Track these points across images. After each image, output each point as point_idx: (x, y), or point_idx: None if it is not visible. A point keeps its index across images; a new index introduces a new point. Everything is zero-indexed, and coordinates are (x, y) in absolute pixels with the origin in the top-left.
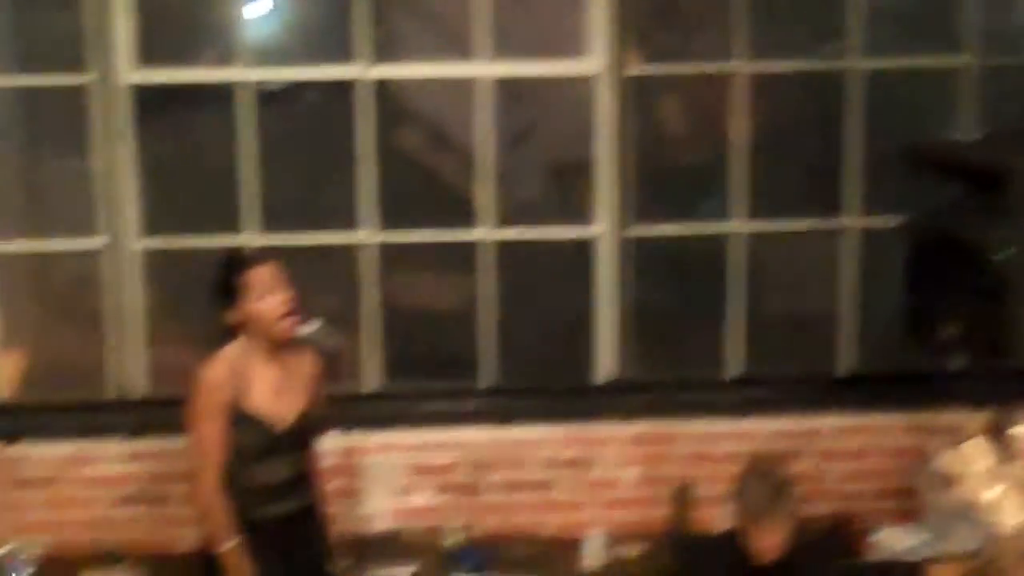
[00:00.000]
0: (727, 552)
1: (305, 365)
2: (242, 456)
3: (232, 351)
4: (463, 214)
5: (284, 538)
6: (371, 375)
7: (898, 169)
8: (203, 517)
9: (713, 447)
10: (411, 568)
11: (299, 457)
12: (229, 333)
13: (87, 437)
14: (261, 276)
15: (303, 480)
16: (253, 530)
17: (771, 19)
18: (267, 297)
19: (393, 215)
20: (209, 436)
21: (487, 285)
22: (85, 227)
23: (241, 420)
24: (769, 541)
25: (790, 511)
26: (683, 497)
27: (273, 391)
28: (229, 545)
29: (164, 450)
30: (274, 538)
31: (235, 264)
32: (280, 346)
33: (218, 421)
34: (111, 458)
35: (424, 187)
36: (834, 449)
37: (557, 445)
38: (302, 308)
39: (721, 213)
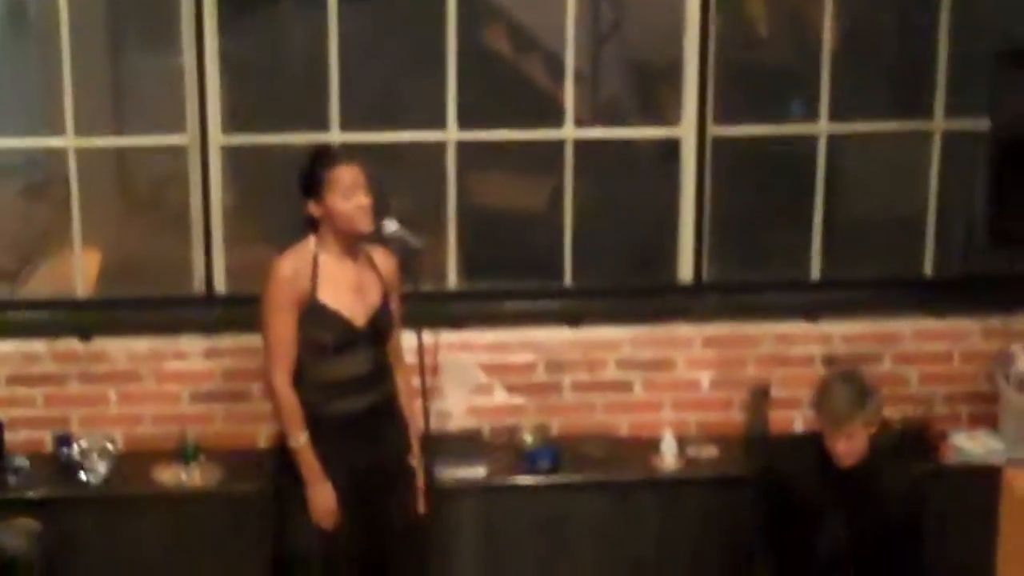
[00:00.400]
0: (808, 454)
1: (381, 264)
2: (320, 350)
3: (307, 246)
4: (547, 113)
5: (361, 432)
6: (451, 275)
7: (985, 71)
8: (275, 411)
9: (791, 350)
10: (486, 466)
11: (376, 353)
12: (310, 225)
13: (166, 333)
14: (345, 175)
15: (380, 375)
16: (330, 424)
17: None
18: (348, 196)
19: (476, 114)
20: (281, 330)
21: (569, 185)
22: (169, 124)
23: (317, 314)
24: (850, 446)
25: (872, 417)
26: (760, 399)
27: (348, 287)
28: (300, 439)
29: (243, 347)
30: (351, 432)
31: (323, 158)
32: (356, 245)
33: (290, 315)
34: (190, 354)
35: (508, 86)
36: (913, 352)
37: (635, 346)
38: (383, 206)
39: (805, 115)
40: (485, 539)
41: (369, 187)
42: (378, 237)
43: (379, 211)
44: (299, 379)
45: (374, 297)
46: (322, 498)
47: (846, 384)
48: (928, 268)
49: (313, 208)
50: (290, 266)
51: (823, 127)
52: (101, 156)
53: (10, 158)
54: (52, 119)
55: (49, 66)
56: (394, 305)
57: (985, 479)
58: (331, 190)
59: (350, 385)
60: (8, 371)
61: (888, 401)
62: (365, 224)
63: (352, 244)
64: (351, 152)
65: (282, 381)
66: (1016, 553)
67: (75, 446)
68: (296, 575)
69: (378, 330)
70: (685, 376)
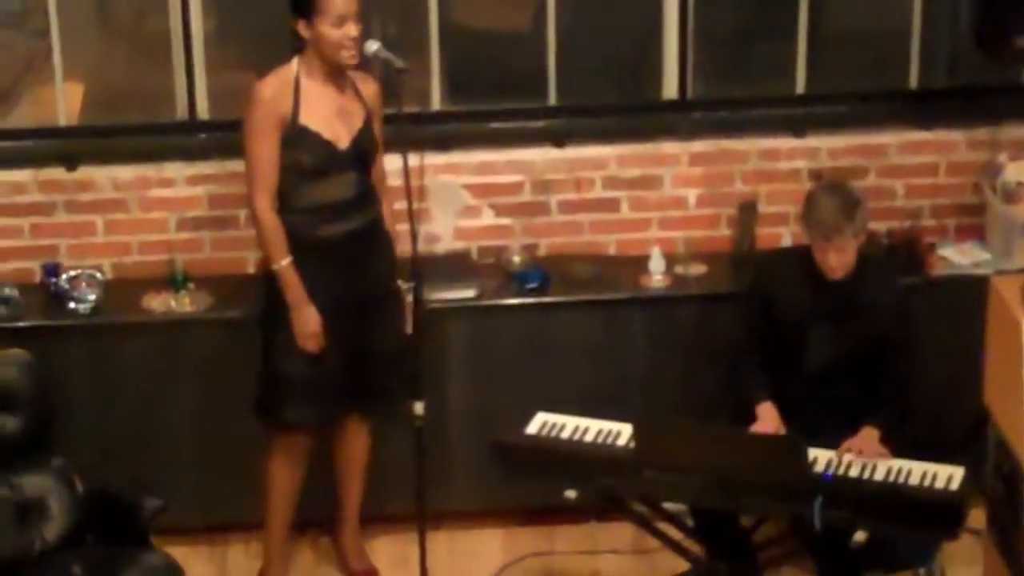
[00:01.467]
0: (795, 268)
1: (364, 89)
2: (304, 173)
3: (290, 68)
4: None
5: (346, 256)
6: (435, 96)
7: None
8: (257, 235)
9: (777, 164)
10: (475, 288)
11: (360, 176)
12: (296, 43)
13: (151, 160)
14: (338, 3)
15: (366, 198)
16: (315, 248)
17: None
18: (338, 25)
19: None
20: (263, 153)
21: (552, 2)
22: None
23: (301, 136)
24: (840, 258)
25: (860, 227)
26: (747, 215)
27: (331, 110)
28: (283, 262)
29: (228, 172)
30: (336, 256)
31: None
32: (340, 71)
33: (272, 137)
34: (175, 181)
35: None
36: (900, 165)
37: (621, 164)
38: (366, 27)
39: None
40: (474, 360)
41: (360, 16)
42: (361, 61)
43: (362, 32)
44: (284, 204)
45: (357, 121)
46: (305, 321)
47: (833, 196)
48: (913, 79)
49: (302, 28)
50: (271, 89)
51: None
52: None
53: None
54: None
55: None
56: (377, 130)
57: (972, 290)
58: (322, 15)
59: (334, 209)
60: None
61: (875, 214)
62: (350, 56)
63: (336, 69)
64: None
65: (263, 205)
66: (1002, 362)
67: (64, 275)
68: (281, 397)
69: (361, 153)
70: (672, 193)
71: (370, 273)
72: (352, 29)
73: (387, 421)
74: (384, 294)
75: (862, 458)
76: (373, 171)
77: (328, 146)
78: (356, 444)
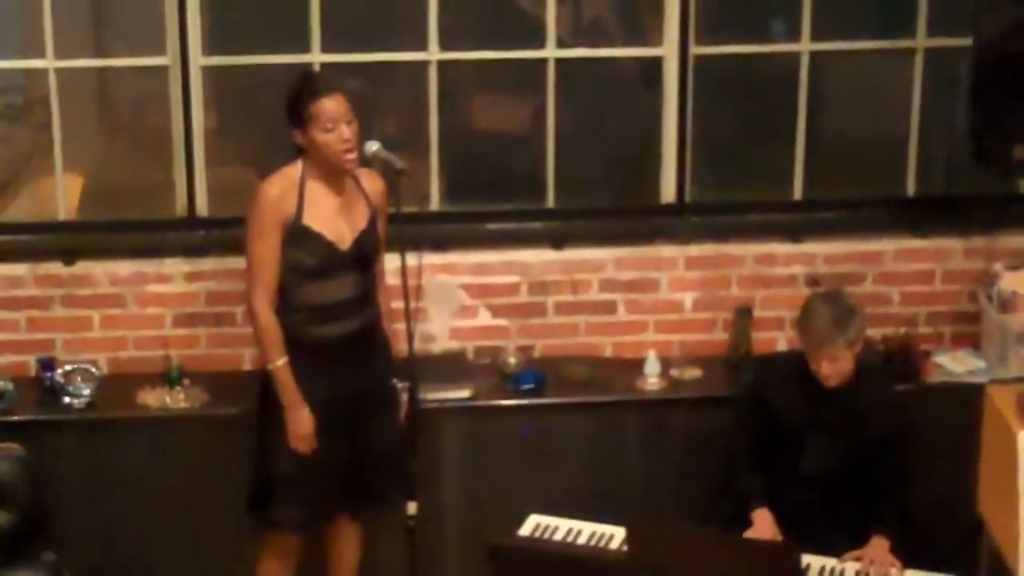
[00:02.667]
0: (791, 375)
1: (368, 186)
2: (305, 273)
3: (294, 169)
4: (529, 33)
5: (344, 356)
6: (434, 196)
7: None
8: (255, 334)
9: (774, 270)
10: (470, 388)
11: (361, 277)
12: (297, 149)
13: (149, 256)
14: (327, 107)
15: (365, 299)
16: (314, 348)
17: None
18: (330, 130)
19: (458, 34)
20: (263, 253)
21: (551, 106)
22: (150, 44)
23: (301, 236)
24: (834, 368)
25: (855, 338)
26: (743, 320)
27: (334, 211)
28: (279, 362)
29: (226, 269)
30: (334, 356)
31: (305, 89)
32: (343, 172)
33: (274, 238)
34: (173, 277)
35: (489, 6)
36: (896, 272)
37: (618, 267)
38: (365, 128)
39: (788, 33)
40: (468, 460)
41: (355, 113)
42: (362, 161)
43: (363, 133)
44: (283, 302)
45: (360, 221)
46: (298, 422)
47: (829, 305)
48: (911, 187)
49: (298, 137)
50: (276, 189)
51: (805, 46)
52: (82, 77)
53: None
54: (32, 41)
55: None
56: (381, 227)
57: (967, 398)
58: (313, 123)
59: (334, 309)
60: None
61: (871, 321)
62: (347, 159)
63: (338, 171)
64: (336, 79)
65: (262, 304)
66: (997, 471)
67: (59, 370)
68: (272, 496)
69: (362, 255)
70: (668, 297)
71: (367, 374)
72: (345, 131)
73: (378, 522)
74: (380, 395)
75: (875, 570)
76: (374, 270)
77: (330, 247)
78: (348, 545)
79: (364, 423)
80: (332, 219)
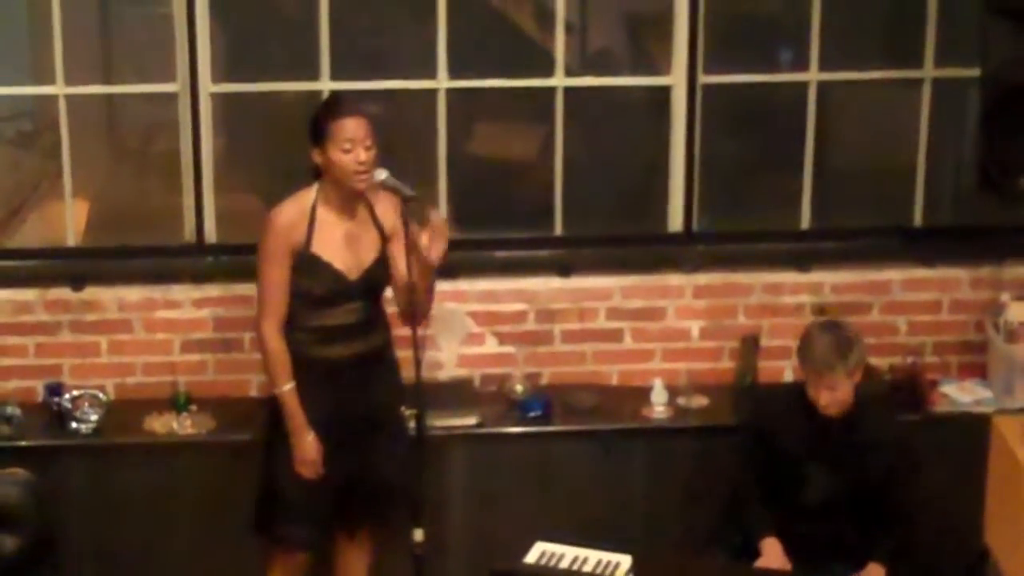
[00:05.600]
0: (794, 404)
1: (382, 212)
2: (313, 300)
3: (306, 196)
4: (537, 62)
5: (352, 377)
6: None
7: (975, 17)
8: (263, 359)
9: (781, 299)
10: (477, 415)
11: (368, 303)
12: (315, 170)
13: (157, 282)
14: (347, 127)
15: (372, 324)
16: (317, 369)
17: None
18: (347, 150)
19: (467, 63)
20: (274, 278)
21: (559, 134)
22: (160, 71)
23: (312, 265)
24: (833, 397)
25: (854, 368)
26: (750, 348)
27: (344, 239)
28: (286, 388)
29: (234, 295)
30: (337, 378)
31: (330, 107)
32: (355, 197)
33: (284, 264)
34: (181, 303)
35: (499, 35)
36: (903, 301)
37: (625, 295)
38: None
39: (796, 63)
40: (474, 487)
41: (375, 140)
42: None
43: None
44: (290, 323)
45: (370, 251)
46: (304, 448)
47: (828, 334)
48: (918, 217)
49: (316, 156)
50: (287, 217)
51: (813, 75)
52: (92, 104)
53: (0, 107)
54: (42, 67)
55: (39, 14)
56: (397, 248)
57: (974, 428)
58: (332, 140)
59: (340, 332)
60: (0, 320)
61: (877, 350)
62: (359, 181)
63: (351, 196)
64: (361, 103)
65: (270, 330)
66: (1004, 501)
67: (66, 395)
68: (277, 514)
69: (371, 285)
70: (675, 325)
71: (373, 398)
72: (362, 154)
73: (385, 548)
74: (387, 420)
75: None
76: (382, 298)
77: (338, 277)
78: (356, 567)
79: (370, 448)
80: (341, 249)
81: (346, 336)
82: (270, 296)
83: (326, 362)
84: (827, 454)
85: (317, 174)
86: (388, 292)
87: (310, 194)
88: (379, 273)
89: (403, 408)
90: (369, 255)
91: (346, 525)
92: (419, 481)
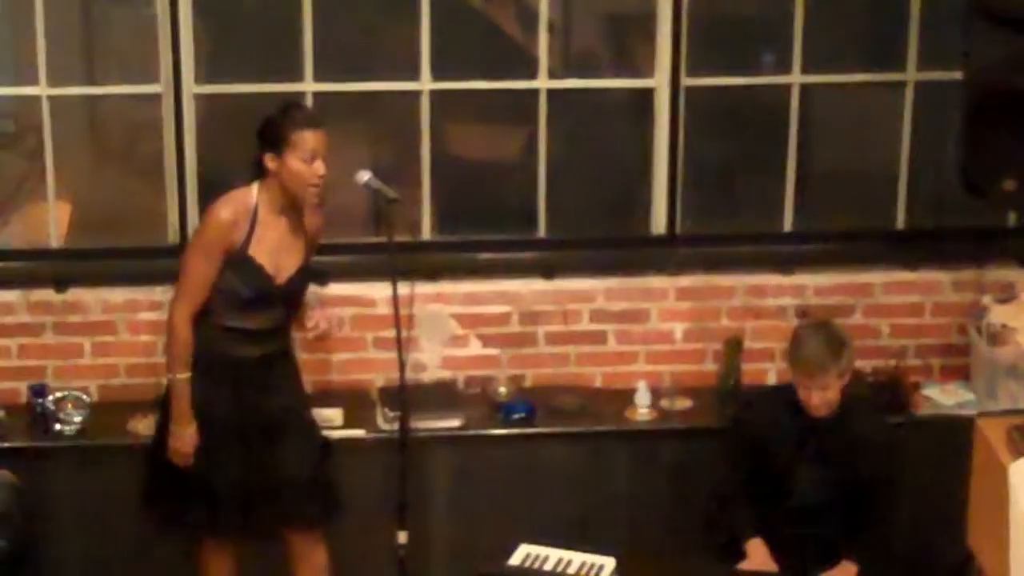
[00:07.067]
0: (780, 406)
1: (309, 223)
2: (238, 303)
3: (247, 194)
4: (520, 64)
5: (257, 376)
6: (425, 225)
7: (958, 20)
8: (166, 344)
9: (764, 301)
10: (460, 417)
11: (287, 310)
12: (256, 172)
13: (141, 284)
14: (309, 140)
15: (284, 328)
16: (223, 365)
17: None
18: (308, 161)
19: (450, 64)
20: (201, 271)
21: (543, 136)
22: (143, 72)
23: (245, 266)
24: (823, 397)
25: (845, 368)
26: (733, 351)
27: (278, 245)
28: (181, 376)
29: None
30: (247, 374)
31: (292, 116)
32: (295, 205)
33: (215, 259)
34: (164, 304)
35: (482, 36)
36: (885, 304)
37: (609, 297)
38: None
39: (778, 65)
40: (458, 489)
41: (328, 157)
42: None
43: (354, 161)
44: (206, 318)
45: (297, 258)
46: (182, 439)
47: (819, 335)
48: (900, 220)
49: (268, 160)
50: (229, 214)
51: (796, 78)
52: (75, 105)
53: None
54: (25, 68)
55: (22, 14)
56: (309, 259)
57: (956, 430)
58: (292, 150)
59: (256, 334)
60: None
61: (860, 353)
62: (313, 195)
63: (293, 203)
64: (320, 116)
65: (183, 318)
66: (987, 504)
67: (50, 397)
68: (171, 499)
69: (293, 292)
70: (659, 327)
71: (277, 396)
72: (320, 167)
73: (368, 551)
74: (289, 420)
75: None
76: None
77: (267, 281)
78: (310, 565)
79: (270, 444)
80: (275, 252)
81: (259, 337)
82: (193, 287)
83: (237, 360)
84: (816, 455)
85: (260, 174)
86: None
87: (251, 193)
88: (301, 281)
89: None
90: (296, 262)
91: (254, 524)
92: (404, 483)
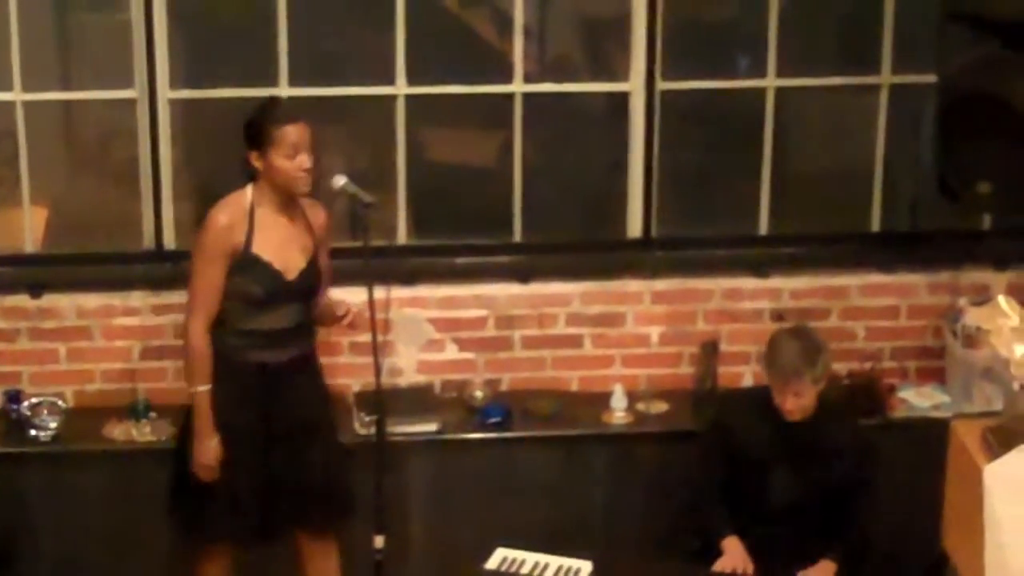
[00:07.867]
0: (756, 409)
1: (313, 217)
2: (251, 301)
3: (242, 197)
4: (496, 68)
5: (279, 382)
6: (401, 230)
7: (932, 24)
8: (184, 358)
9: (740, 304)
10: (437, 422)
11: (303, 307)
12: (248, 173)
13: (116, 289)
14: (290, 134)
15: (303, 329)
16: (247, 372)
17: None
18: (291, 156)
19: (425, 69)
20: (209, 279)
21: (518, 140)
22: (118, 78)
23: (252, 265)
24: (799, 403)
25: (821, 374)
26: (709, 354)
27: (281, 240)
28: (201, 388)
29: None
30: (269, 381)
31: (271, 113)
32: (291, 200)
33: (220, 265)
34: (140, 310)
35: (457, 41)
36: (861, 307)
37: (585, 301)
38: (333, 161)
39: (753, 69)
40: (435, 493)
41: (314, 147)
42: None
43: (329, 166)
44: (222, 325)
45: (306, 252)
46: (205, 452)
47: (796, 341)
48: (875, 222)
49: (254, 159)
50: (226, 218)
51: (771, 81)
52: (49, 110)
53: None
54: None
55: None
56: (323, 260)
57: (932, 433)
58: (275, 147)
59: (275, 336)
60: None
61: (836, 355)
62: (304, 186)
63: (288, 198)
64: (299, 110)
65: (198, 329)
66: (962, 506)
67: (25, 403)
68: (204, 514)
69: (306, 286)
70: (635, 331)
71: (302, 403)
72: (305, 160)
73: (345, 555)
74: (314, 425)
75: None
76: (315, 301)
77: (277, 277)
78: (322, 567)
79: (296, 450)
80: (280, 248)
81: (279, 341)
82: (203, 296)
83: (260, 367)
84: (790, 458)
85: (251, 176)
86: None
87: (246, 195)
88: (314, 276)
89: (333, 410)
90: (306, 256)
91: (272, 527)
92: (379, 487)
